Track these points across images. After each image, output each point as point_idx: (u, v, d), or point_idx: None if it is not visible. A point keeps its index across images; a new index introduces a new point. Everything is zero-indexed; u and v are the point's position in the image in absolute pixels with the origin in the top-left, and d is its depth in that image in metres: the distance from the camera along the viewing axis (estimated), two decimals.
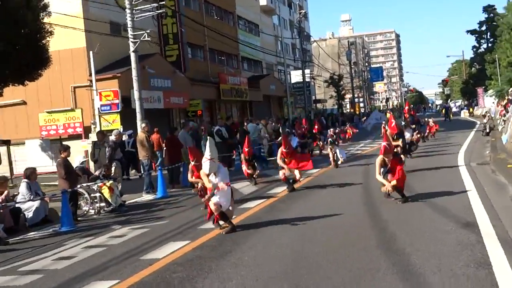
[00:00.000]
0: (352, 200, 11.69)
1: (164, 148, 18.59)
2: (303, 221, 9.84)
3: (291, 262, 7.20)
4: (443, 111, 64.22)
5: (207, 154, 9.27)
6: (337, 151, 18.93)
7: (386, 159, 10.91)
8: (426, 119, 31.10)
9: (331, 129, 21.05)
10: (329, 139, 19.10)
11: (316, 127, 25.92)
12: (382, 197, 11.25)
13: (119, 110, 24.49)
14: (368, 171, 16.63)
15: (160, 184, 15.41)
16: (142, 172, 16.23)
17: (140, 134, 16.40)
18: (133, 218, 12.25)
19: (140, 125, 22.23)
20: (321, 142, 23.94)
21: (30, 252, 9.52)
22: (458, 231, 8.07)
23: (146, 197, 15.61)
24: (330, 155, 18.86)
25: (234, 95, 39.14)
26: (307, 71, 59.22)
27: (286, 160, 13.79)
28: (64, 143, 17.12)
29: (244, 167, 15.61)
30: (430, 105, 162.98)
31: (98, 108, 24.31)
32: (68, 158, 12.92)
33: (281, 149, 13.85)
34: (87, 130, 25.49)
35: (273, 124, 27.86)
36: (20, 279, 7.64)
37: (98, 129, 23.09)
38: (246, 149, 15.33)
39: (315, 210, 10.94)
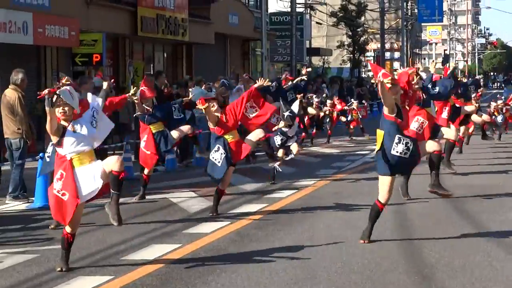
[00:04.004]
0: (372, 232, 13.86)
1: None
2: (295, 258, 11.95)
3: None
4: None
5: None
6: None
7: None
8: None
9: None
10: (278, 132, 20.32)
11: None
12: (418, 221, 13.96)
13: None
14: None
15: (40, 184, 16.77)
16: (12, 160, 17.78)
17: (10, 93, 17.81)
18: (2, 237, 14.06)
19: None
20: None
21: None
22: None
23: (14, 204, 17.37)
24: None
25: (162, 30, 40.24)
26: None
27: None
28: None
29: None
30: None
31: None
32: None
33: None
34: None
35: None
36: None
37: None
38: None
39: (312, 241, 13.17)
